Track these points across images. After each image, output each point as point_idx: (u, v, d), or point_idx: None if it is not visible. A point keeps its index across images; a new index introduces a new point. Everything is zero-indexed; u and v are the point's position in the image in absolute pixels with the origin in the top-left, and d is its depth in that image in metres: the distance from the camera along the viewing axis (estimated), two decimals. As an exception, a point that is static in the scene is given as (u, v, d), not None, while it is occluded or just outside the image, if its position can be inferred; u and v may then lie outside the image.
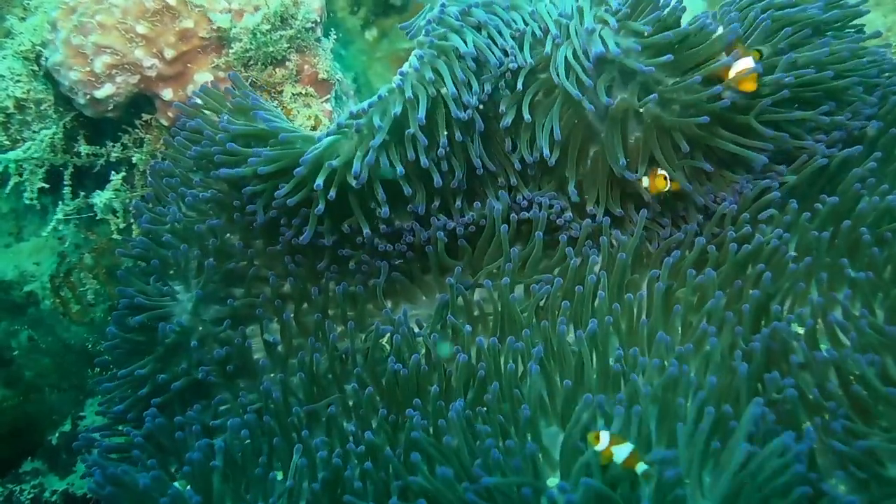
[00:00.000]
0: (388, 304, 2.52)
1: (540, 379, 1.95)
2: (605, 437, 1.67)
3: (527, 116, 2.34)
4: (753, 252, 2.16)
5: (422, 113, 2.20)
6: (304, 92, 2.88)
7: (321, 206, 2.25)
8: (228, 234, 2.49)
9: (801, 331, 1.96)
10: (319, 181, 2.20)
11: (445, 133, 2.28)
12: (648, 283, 2.22)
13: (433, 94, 2.23)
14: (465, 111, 2.27)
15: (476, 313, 2.38)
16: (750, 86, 2.10)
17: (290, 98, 2.84)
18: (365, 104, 2.27)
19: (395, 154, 2.25)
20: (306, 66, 2.86)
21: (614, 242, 2.39)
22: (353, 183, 2.22)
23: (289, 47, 2.72)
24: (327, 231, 2.40)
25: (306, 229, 2.33)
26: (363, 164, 2.20)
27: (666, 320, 2.10)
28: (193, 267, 2.43)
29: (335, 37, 2.95)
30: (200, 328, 2.42)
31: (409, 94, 2.21)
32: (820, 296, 2.02)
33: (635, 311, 2.14)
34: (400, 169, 2.24)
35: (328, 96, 2.95)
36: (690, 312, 2.13)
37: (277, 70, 2.78)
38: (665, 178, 2.24)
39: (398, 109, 2.20)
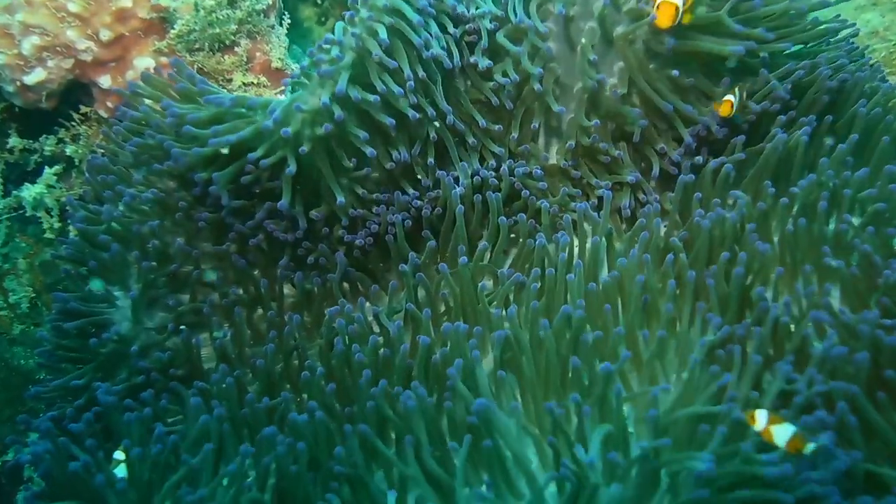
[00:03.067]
0: (348, 302, 2.34)
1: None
2: (762, 416, 1.48)
3: (510, 46, 2.30)
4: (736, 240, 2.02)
5: (384, 35, 2.07)
6: (255, 81, 2.71)
7: (292, 167, 2.08)
8: (171, 236, 2.29)
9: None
10: (288, 129, 2.04)
11: (409, 66, 2.15)
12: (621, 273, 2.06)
13: (390, 23, 2.11)
14: (427, 50, 2.16)
15: (443, 309, 2.20)
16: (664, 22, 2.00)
17: (240, 88, 2.68)
18: (321, 41, 2.17)
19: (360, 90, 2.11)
20: (258, 54, 2.68)
21: (586, 223, 2.27)
22: (325, 129, 2.06)
23: (238, 30, 2.54)
24: (299, 213, 2.22)
25: (280, 205, 2.16)
26: (333, 96, 2.04)
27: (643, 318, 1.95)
28: (133, 270, 2.23)
29: (289, 21, 2.78)
30: (143, 336, 2.23)
31: (367, 15, 2.10)
32: (805, 288, 1.89)
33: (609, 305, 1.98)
34: (375, 97, 2.10)
35: (282, 87, 2.78)
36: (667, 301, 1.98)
37: (226, 56, 2.61)
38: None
39: (358, 30, 2.09)
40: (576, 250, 2.22)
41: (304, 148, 2.08)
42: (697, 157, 2.29)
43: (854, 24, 2.39)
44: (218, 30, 2.48)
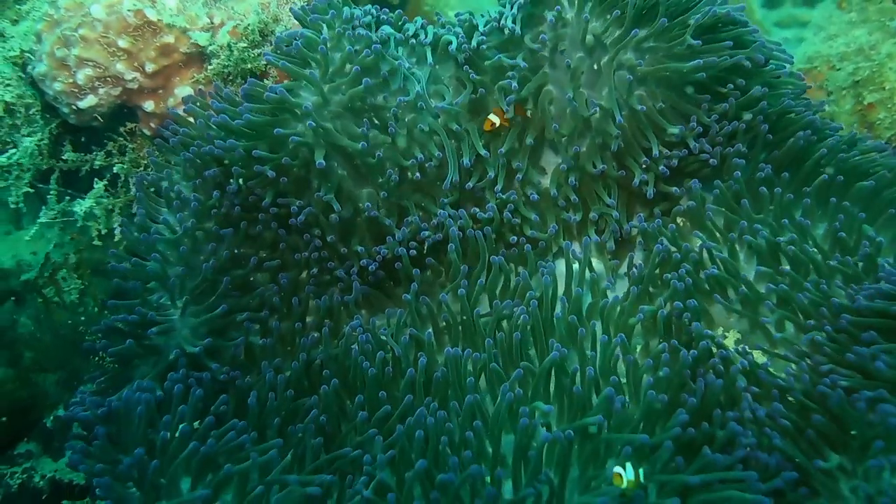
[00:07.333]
0: (363, 312, 2.60)
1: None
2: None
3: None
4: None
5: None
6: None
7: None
8: (207, 245, 2.53)
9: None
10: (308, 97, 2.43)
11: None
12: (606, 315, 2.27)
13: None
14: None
15: (442, 324, 2.45)
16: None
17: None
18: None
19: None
20: (286, 80, 2.89)
21: (573, 256, 2.46)
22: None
23: (268, 63, 2.77)
24: (331, 200, 2.45)
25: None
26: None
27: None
28: (180, 282, 2.46)
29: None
30: (190, 340, 2.44)
31: None
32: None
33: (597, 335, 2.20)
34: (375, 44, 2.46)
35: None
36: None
37: (257, 84, 2.83)
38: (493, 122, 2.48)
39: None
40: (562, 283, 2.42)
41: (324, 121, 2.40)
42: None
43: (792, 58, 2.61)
44: (250, 65, 2.72)
